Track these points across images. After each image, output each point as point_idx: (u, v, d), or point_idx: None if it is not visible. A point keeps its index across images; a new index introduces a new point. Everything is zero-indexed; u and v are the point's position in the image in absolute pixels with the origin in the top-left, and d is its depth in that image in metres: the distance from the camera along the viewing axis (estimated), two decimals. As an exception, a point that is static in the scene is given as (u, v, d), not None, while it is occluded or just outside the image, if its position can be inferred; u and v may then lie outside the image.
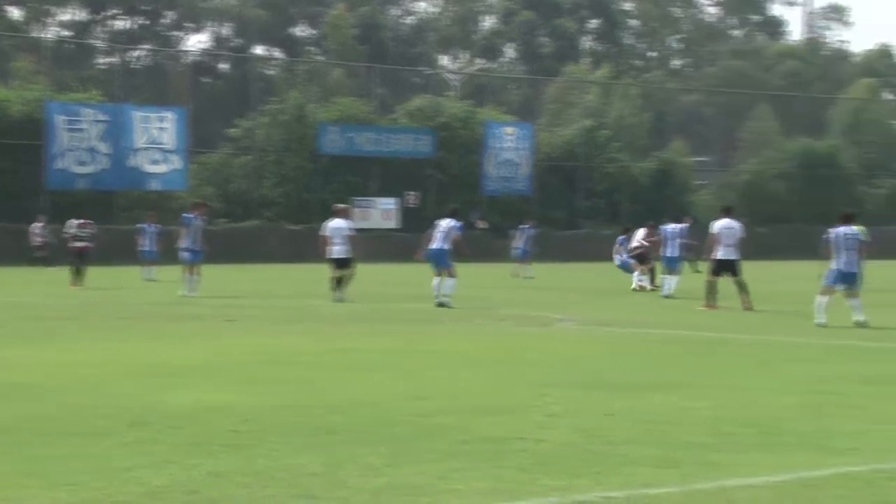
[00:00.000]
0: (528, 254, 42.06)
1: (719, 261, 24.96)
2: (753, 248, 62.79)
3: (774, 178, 72.63)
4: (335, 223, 27.50)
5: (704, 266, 28.52)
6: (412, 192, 63.42)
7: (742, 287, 24.79)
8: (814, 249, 27.96)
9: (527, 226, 43.15)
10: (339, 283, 26.94)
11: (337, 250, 27.28)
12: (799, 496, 7.65)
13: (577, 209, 67.64)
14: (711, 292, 24.94)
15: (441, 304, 24.87)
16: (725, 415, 10.76)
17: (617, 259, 35.87)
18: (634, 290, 31.54)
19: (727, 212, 26.02)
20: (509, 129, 67.78)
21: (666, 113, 78.72)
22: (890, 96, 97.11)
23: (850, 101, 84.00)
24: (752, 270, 36.69)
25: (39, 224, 49.47)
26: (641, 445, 9.25)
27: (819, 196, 71.76)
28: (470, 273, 28.16)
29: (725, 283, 25.29)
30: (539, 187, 66.22)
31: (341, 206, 29.14)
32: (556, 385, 12.67)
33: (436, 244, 25.96)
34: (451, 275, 25.53)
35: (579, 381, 13.03)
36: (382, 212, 62.98)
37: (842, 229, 21.14)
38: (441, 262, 25.80)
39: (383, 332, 19.32)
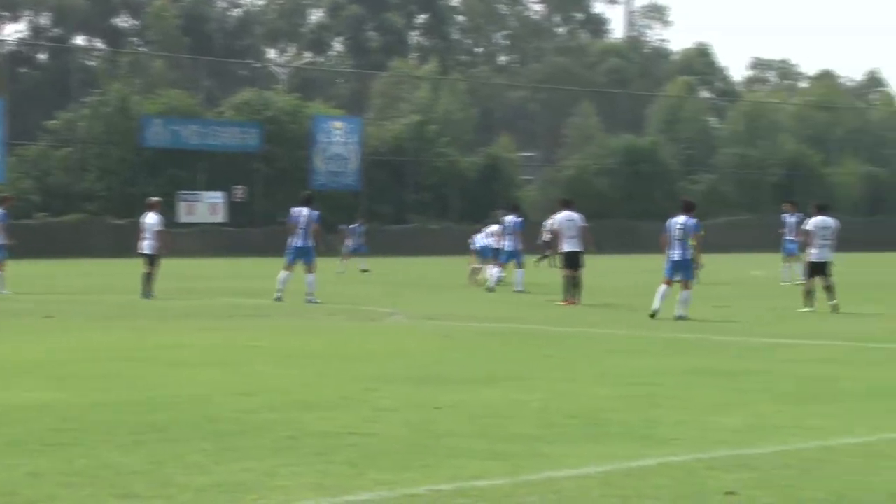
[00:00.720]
0: (361, 249, 41.84)
1: (566, 253, 24.95)
2: (578, 242, 63.95)
3: (598, 173, 73.92)
4: (147, 217, 26.79)
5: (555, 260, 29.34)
6: (239, 186, 62.73)
7: (576, 282, 24.71)
8: (637, 244, 28.53)
9: (356, 225, 42.80)
10: (147, 278, 26.21)
11: (146, 245, 26.61)
12: (623, 485, 7.75)
13: (405, 204, 67.82)
14: (568, 287, 24.60)
15: (310, 302, 23.90)
16: (554, 407, 10.87)
17: (476, 242, 32.96)
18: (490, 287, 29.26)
19: (567, 204, 25.80)
20: (338, 124, 67.54)
21: (493, 108, 79.46)
22: (706, 94, 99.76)
23: (668, 99, 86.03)
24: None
25: None
26: (470, 438, 9.28)
27: (641, 192, 73.35)
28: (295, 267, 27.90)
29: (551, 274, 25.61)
30: (367, 182, 66.21)
31: (153, 199, 27.91)
32: (386, 379, 12.64)
33: (300, 241, 24.60)
34: (312, 270, 24.52)
35: (409, 376, 13.03)
36: (209, 206, 62.15)
37: (675, 220, 21.54)
38: (308, 258, 24.63)
39: (209, 327, 19.04)
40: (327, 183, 65.48)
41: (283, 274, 24.74)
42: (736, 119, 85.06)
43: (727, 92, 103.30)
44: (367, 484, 7.69)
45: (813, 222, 23.10)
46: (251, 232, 61.02)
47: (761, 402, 11.29)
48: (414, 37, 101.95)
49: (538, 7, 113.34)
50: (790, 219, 32.52)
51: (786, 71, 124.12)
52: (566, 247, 24.91)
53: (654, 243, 35.06)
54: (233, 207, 62.13)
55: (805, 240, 23.36)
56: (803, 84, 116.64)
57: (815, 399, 11.49)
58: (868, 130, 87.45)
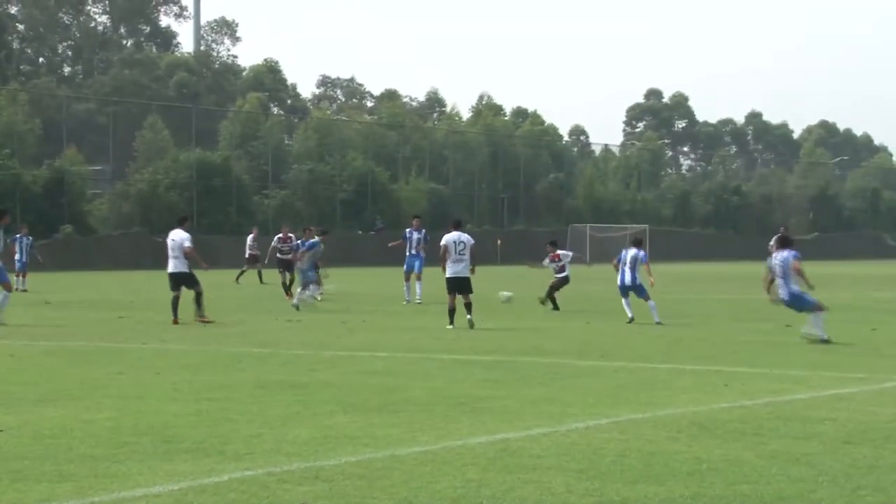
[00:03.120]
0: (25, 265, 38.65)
1: (450, 278, 23.14)
2: (150, 257, 62.92)
3: (169, 188, 73.03)
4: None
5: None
6: None
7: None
8: (209, 258, 28.39)
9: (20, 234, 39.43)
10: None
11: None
12: (196, 502, 7.73)
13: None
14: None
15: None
16: (124, 425, 10.69)
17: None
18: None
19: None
20: None
21: (58, 120, 76.88)
22: (277, 110, 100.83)
23: (240, 114, 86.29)
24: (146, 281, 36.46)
25: None
26: (35, 461, 8.99)
27: (214, 206, 73.12)
28: None
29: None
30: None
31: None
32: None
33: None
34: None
35: (-32, 399, 12.43)
36: None
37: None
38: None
39: None
40: None
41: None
42: (306, 136, 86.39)
43: (297, 108, 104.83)
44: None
45: (448, 238, 23.21)
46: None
47: (332, 413, 11.55)
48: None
49: (103, 18, 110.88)
50: (415, 234, 31.30)
51: (353, 89, 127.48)
52: (450, 270, 23.06)
53: (228, 258, 34.94)
54: None
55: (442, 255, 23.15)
56: (369, 102, 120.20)
57: (382, 409, 11.86)
58: (432, 149, 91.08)
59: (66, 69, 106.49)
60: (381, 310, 28.02)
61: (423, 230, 31.64)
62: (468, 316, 22.48)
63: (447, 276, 23.03)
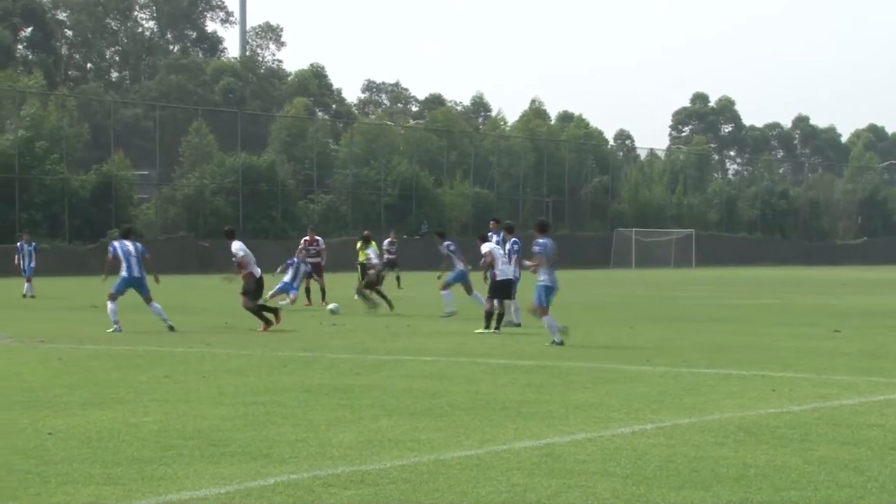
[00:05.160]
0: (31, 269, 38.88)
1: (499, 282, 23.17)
2: (197, 261, 63.27)
3: (215, 192, 73.46)
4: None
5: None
6: None
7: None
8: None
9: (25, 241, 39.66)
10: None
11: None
12: (243, 505, 7.77)
13: (13, 222, 65.03)
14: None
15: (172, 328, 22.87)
16: (169, 428, 10.76)
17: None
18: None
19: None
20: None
21: (105, 125, 77.47)
22: (323, 115, 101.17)
23: (286, 119, 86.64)
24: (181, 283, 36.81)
25: None
26: (83, 464, 9.05)
27: (259, 211, 73.49)
28: None
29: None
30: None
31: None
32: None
33: (136, 271, 23.45)
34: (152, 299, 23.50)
35: (18, 400, 12.56)
36: None
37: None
38: (144, 290, 23.49)
39: None
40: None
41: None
42: (352, 140, 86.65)
43: (342, 113, 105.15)
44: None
45: (493, 244, 23.41)
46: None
47: (376, 417, 11.57)
48: (19, 50, 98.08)
49: (150, 24, 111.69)
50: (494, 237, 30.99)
51: (398, 94, 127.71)
52: (500, 274, 23.01)
53: (272, 263, 35.17)
54: None
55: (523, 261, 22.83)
56: (414, 107, 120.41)
57: (426, 413, 11.87)
58: (476, 153, 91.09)
59: (114, 75, 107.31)
60: (426, 314, 28.02)
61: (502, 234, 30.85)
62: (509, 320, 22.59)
63: (497, 279, 22.97)
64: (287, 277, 30.57)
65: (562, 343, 19.74)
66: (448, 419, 11.48)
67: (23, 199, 65.04)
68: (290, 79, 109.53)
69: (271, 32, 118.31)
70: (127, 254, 23.41)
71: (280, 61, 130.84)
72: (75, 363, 16.82)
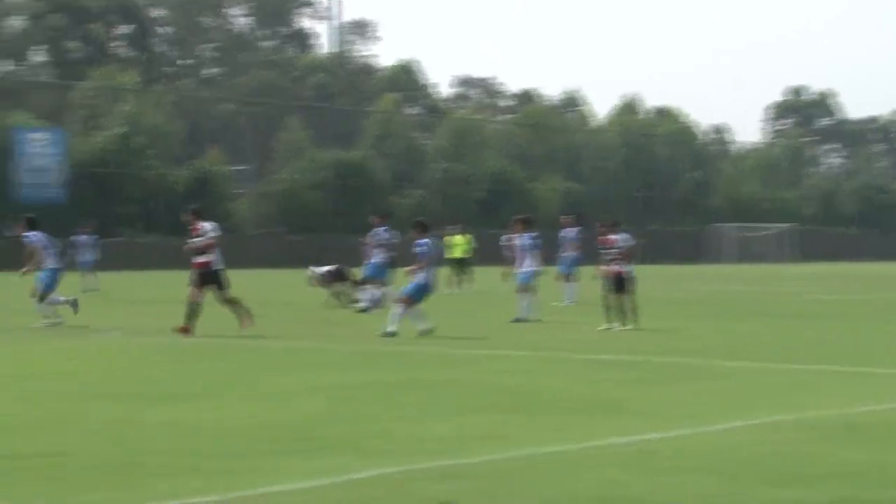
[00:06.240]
0: (91, 263, 39.57)
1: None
2: (289, 256, 63.75)
3: (307, 187, 73.99)
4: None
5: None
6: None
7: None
8: (347, 259, 28.63)
9: (85, 236, 40.49)
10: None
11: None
12: (337, 498, 7.77)
13: (111, 217, 66.12)
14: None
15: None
16: (262, 422, 10.81)
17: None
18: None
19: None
20: (39, 135, 65.29)
21: (200, 121, 78.46)
22: (413, 110, 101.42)
23: (378, 114, 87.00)
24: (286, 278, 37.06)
25: None
26: (181, 456, 9.13)
27: (351, 206, 73.93)
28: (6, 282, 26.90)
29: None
30: (72, 194, 64.22)
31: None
32: (96, 397, 12.37)
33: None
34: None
35: (120, 392, 12.73)
36: None
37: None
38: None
39: None
40: (30, 196, 63.20)
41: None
42: (443, 135, 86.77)
43: (433, 108, 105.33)
44: (75, 506, 7.47)
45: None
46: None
47: (469, 411, 11.52)
48: (117, 47, 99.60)
49: (244, 20, 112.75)
50: (569, 233, 30.53)
51: (489, 88, 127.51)
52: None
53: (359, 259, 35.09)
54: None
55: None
56: (506, 102, 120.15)
57: (519, 408, 11.80)
58: (568, 148, 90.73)
59: (209, 71, 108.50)
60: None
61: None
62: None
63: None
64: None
65: (393, 335, 19.54)
66: (542, 415, 11.40)
67: (120, 194, 66.16)
68: (381, 74, 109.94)
69: (365, 28, 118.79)
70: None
71: (373, 56, 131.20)
72: (172, 356, 17.01)
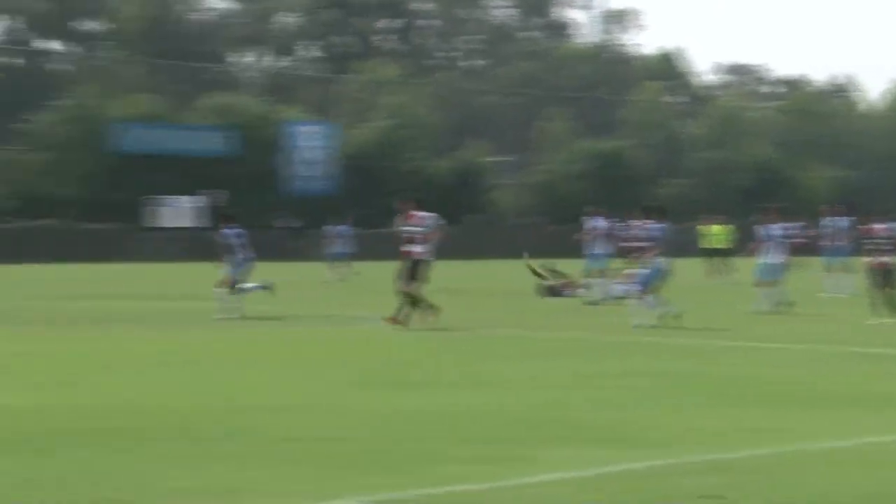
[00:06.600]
0: (346, 254, 41.01)
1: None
2: (550, 247, 63.94)
3: (568, 178, 74.09)
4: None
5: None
6: (216, 191, 62.51)
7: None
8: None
9: (343, 227, 41.95)
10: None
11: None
12: (603, 489, 7.79)
13: (379, 207, 67.77)
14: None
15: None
16: (527, 410, 10.90)
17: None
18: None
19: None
20: (310, 128, 67.53)
21: (465, 113, 79.56)
22: (675, 98, 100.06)
23: (638, 103, 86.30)
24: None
25: None
26: (451, 443, 9.29)
27: (612, 195, 73.58)
28: (273, 272, 27.89)
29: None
30: (341, 185, 66.16)
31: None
32: (364, 384, 12.67)
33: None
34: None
35: (386, 380, 13.05)
36: (181, 210, 62.00)
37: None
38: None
39: (182, 331, 19.00)
40: (300, 187, 65.51)
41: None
42: (706, 123, 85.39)
43: (696, 96, 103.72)
44: (349, 488, 7.71)
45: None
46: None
47: (738, 404, 11.35)
48: (384, 41, 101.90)
49: (506, 12, 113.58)
50: (841, 223, 29.67)
51: (753, 75, 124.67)
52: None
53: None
54: (205, 211, 61.98)
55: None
56: (770, 88, 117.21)
57: (791, 402, 11.55)
58: (835, 134, 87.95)
59: (471, 63, 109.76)
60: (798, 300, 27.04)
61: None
62: None
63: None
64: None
65: (645, 326, 19.38)
66: (816, 408, 11.13)
67: (384, 186, 67.72)
68: (642, 63, 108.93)
69: (627, 16, 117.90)
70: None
71: (636, 45, 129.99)
72: (440, 345, 17.32)
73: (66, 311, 24.15)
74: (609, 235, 27.70)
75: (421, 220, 20.45)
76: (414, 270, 20.09)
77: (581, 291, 27.96)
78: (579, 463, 8.55)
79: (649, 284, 20.35)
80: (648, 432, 9.79)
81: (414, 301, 20.08)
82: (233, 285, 22.80)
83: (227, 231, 23.39)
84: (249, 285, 23.50)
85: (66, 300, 27.73)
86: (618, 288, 26.04)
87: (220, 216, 24.79)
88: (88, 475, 8.03)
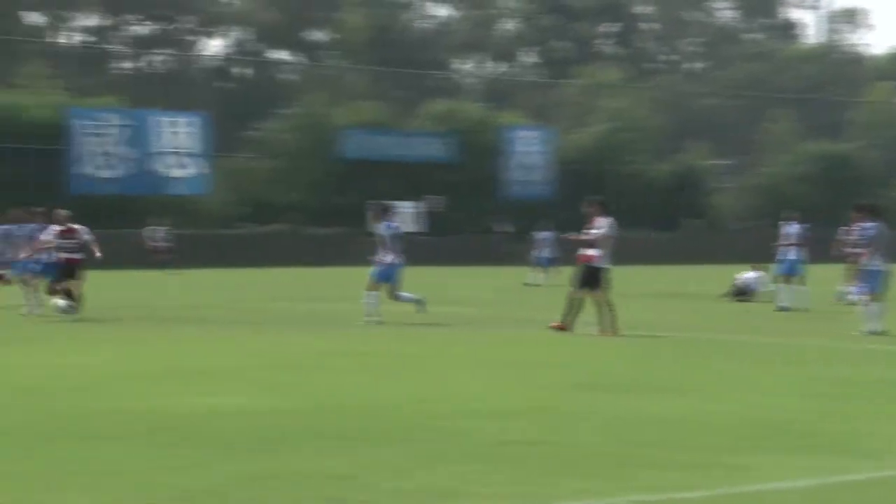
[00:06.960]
0: (553, 261, 40.87)
1: None
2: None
3: (793, 180, 72.40)
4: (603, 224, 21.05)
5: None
6: (434, 196, 63.33)
7: None
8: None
9: (548, 233, 41.87)
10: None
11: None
12: (831, 500, 7.59)
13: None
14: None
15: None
16: (746, 418, 10.69)
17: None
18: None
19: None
20: (529, 133, 67.76)
21: (685, 116, 78.61)
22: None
23: (868, 104, 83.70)
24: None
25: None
26: (666, 448, 9.20)
27: (840, 199, 71.54)
28: (488, 276, 28.12)
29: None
30: (559, 190, 66.17)
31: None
32: (580, 388, 12.65)
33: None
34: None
35: (599, 384, 12.99)
36: (402, 215, 63.03)
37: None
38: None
39: (403, 334, 19.28)
40: (519, 192, 65.77)
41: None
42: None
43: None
44: (564, 492, 7.71)
45: None
46: (448, 241, 61.57)
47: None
48: (604, 45, 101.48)
49: (729, 13, 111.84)
50: None
51: None
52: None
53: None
54: (427, 217, 62.86)
55: None
56: None
57: None
58: None
59: (692, 65, 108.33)
60: None
61: None
62: None
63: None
64: None
65: (879, 332, 18.73)
66: None
67: (602, 190, 67.29)
68: (873, 63, 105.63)
69: (854, 16, 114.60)
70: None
71: (865, 45, 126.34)
72: (658, 350, 17.17)
73: (298, 312, 24.78)
74: (803, 241, 27.13)
75: (598, 225, 19.67)
76: (588, 277, 19.46)
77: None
78: (804, 472, 8.36)
79: (874, 289, 19.59)
80: (881, 443, 9.49)
81: (569, 310, 19.45)
82: (392, 292, 21.46)
83: (388, 225, 21.81)
84: (407, 295, 22.02)
85: (302, 301, 28.47)
86: (850, 292, 25.34)
87: (377, 209, 22.90)
88: (312, 476, 8.23)
